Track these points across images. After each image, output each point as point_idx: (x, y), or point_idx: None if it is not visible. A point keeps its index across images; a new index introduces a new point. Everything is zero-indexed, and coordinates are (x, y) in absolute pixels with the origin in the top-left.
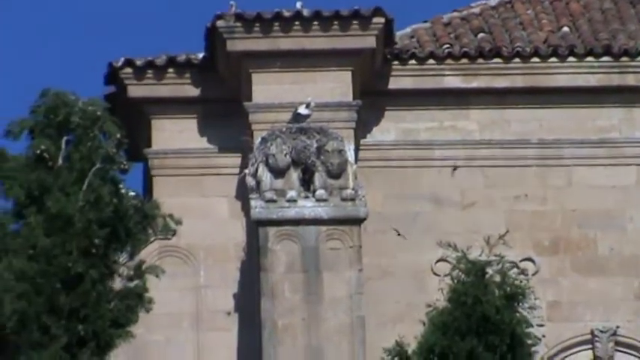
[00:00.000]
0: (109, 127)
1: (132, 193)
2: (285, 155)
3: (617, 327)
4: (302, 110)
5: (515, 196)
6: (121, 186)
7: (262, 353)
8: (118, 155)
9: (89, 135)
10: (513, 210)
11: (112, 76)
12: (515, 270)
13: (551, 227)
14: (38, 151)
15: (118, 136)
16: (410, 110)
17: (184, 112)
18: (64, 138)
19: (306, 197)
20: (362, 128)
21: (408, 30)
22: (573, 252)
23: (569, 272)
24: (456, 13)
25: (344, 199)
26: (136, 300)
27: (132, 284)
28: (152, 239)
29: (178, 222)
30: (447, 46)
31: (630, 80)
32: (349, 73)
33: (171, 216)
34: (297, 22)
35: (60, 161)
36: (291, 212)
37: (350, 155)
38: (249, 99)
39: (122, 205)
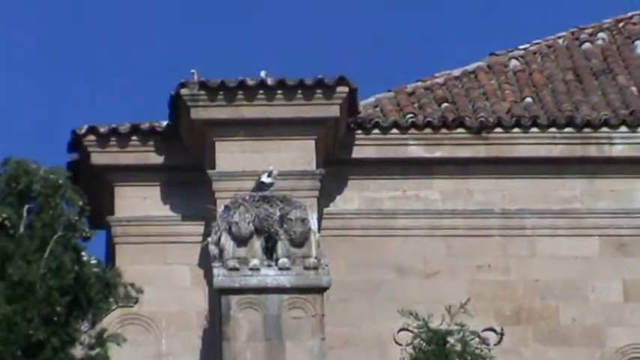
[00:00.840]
0: (71, 195)
1: (94, 261)
2: (248, 223)
3: None
4: (265, 179)
5: (478, 266)
6: (83, 253)
7: None
8: (80, 223)
9: (51, 203)
10: (476, 279)
11: (75, 143)
12: (476, 340)
13: (514, 297)
14: (0, 219)
15: (80, 203)
16: (373, 179)
17: (148, 180)
18: (26, 206)
19: (269, 266)
20: (325, 197)
21: (371, 99)
22: (535, 322)
23: (531, 342)
24: (419, 83)
25: (307, 268)
26: None
27: (93, 352)
28: (114, 307)
29: (140, 290)
30: (411, 115)
31: (593, 151)
32: (313, 141)
33: (132, 285)
34: (261, 91)
35: (21, 229)
36: (253, 281)
37: (313, 224)
38: (213, 167)
39: (84, 273)
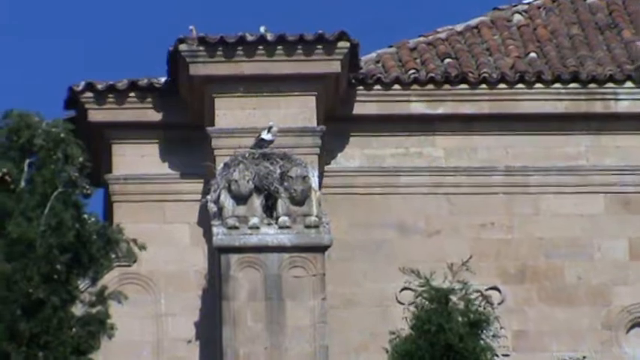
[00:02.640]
0: (73, 150)
1: (94, 219)
2: (248, 181)
3: (584, 357)
4: (265, 135)
5: (481, 224)
6: (83, 211)
7: None
8: (80, 179)
9: (52, 158)
10: (479, 238)
11: (73, 100)
12: (480, 298)
13: (518, 256)
14: (0, 174)
15: (81, 159)
16: (375, 136)
17: (146, 137)
18: (27, 160)
19: (269, 224)
20: (326, 154)
21: (373, 55)
22: (540, 281)
23: (535, 302)
24: (422, 38)
25: (308, 227)
26: (97, 326)
27: (94, 310)
28: (115, 264)
29: (142, 247)
30: (413, 71)
31: (598, 107)
32: (313, 98)
33: (135, 241)
34: (260, 47)
35: (22, 184)
36: (253, 239)
37: (314, 182)
38: (212, 124)
39: (85, 230)
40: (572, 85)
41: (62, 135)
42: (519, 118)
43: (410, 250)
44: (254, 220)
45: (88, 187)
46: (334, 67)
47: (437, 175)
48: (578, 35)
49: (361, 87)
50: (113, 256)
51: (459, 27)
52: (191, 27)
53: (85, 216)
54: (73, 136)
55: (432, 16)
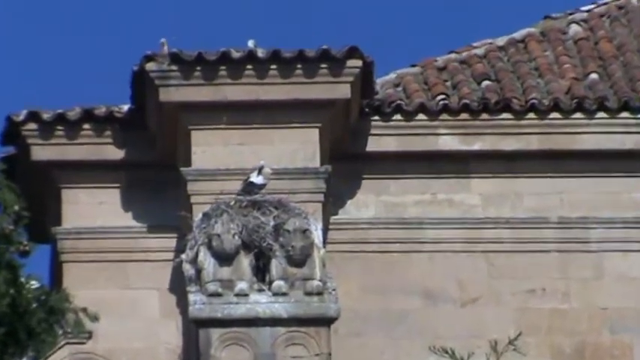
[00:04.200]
0: (6, 196)
1: (34, 283)
2: (234, 236)
3: None
4: (255, 179)
5: (529, 290)
6: (20, 274)
7: None
8: (16, 233)
9: None
10: (527, 308)
11: (11, 133)
12: None
13: (576, 330)
14: None
15: (17, 208)
16: (394, 179)
17: (104, 181)
18: None
19: (261, 290)
20: (333, 202)
21: (392, 76)
22: None
23: None
24: (453, 55)
25: (309, 293)
26: None
27: None
28: (61, 341)
29: (95, 318)
30: (442, 97)
31: None
32: (316, 131)
33: (85, 310)
34: (249, 66)
35: None
36: (240, 310)
37: (317, 236)
38: (188, 163)
39: (22, 298)
40: None
41: None
42: (577, 156)
43: (439, 324)
44: (241, 285)
45: (26, 242)
46: (343, 91)
47: (473, 228)
48: None
49: (377, 117)
50: (59, 330)
51: (501, 41)
52: (162, 40)
53: (23, 279)
54: (5, 179)
55: (466, 28)
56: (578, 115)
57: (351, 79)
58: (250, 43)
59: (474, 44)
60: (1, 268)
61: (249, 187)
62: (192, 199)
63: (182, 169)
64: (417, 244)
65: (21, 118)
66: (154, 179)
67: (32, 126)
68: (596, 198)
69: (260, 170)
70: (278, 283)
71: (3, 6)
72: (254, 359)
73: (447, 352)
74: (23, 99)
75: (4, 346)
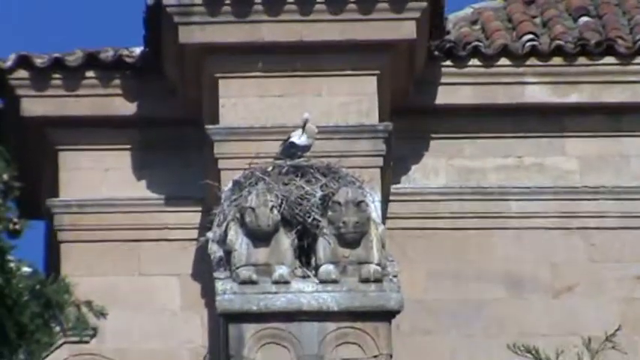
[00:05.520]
0: None
1: (26, 269)
2: (272, 210)
3: None
4: (297, 138)
5: (638, 277)
6: (9, 257)
7: None
8: (4, 209)
9: None
10: (634, 298)
11: None
12: None
13: None
14: None
15: (5, 177)
16: (470, 138)
17: (111, 141)
18: None
19: (305, 277)
20: (394, 167)
21: (467, 11)
22: None
23: None
24: None
25: (364, 281)
26: None
27: None
28: (59, 341)
29: (101, 313)
30: (530, 36)
31: None
32: (374, 79)
33: (89, 304)
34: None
35: None
36: (280, 301)
37: (375, 211)
38: (215, 120)
39: (11, 288)
40: None
41: None
42: None
43: (525, 317)
44: (281, 271)
45: (16, 220)
46: (406, 30)
47: (568, 199)
48: None
49: (449, 62)
50: (56, 327)
51: None
52: None
53: (12, 265)
54: None
55: None
56: None
57: (416, 15)
58: None
59: None
60: None
61: (290, 149)
62: (220, 164)
63: (207, 126)
64: (499, 219)
65: (9, 64)
66: (173, 139)
67: (23, 74)
68: None
69: (304, 127)
70: (326, 268)
71: None
72: None
73: (529, 352)
74: (12, 43)
75: None
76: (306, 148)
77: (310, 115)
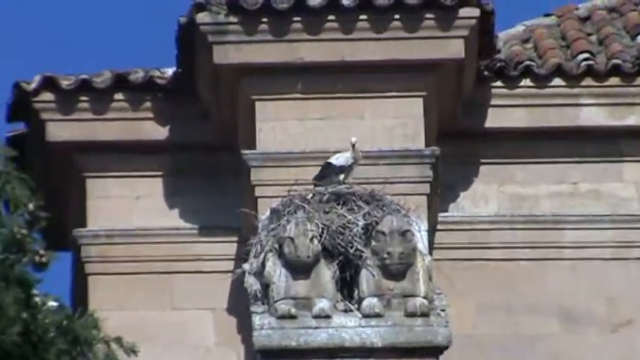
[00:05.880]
0: (17, 192)
1: (53, 304)
2: (312, 240)
3: None
4: (339, 160)
5: None
6: (35, 292)
7: None
8: (30, 239)
9: None
10: None
11: (21, 105)
12: None
13: None
14: None
15: (31, 207)
16: (522, 164)
17: (141, 167)
18: None
19: (347, 311)
20: (442, 194)
21: (519, 29)
22: None
23: None
24: (599, 1)
25: (410, 315)
26: None
27: None
28: None
29: (132, 350)
30: (586, 55)
31: None
32: (420, 101)
33: (119, 340)
34: (331, 17)
35: None
36: (321, 336)
37: (421, 240)
38: (251, 145)
39: (36, 324)
40: None
41: None
42: None
43: (581, 353)
44: (322, 305)
45: (43, 252)
46: (454, 49)
47: (625, 227)
48: None
49: (499, 82)
50: None
51: None
52: None
53: (38, 300)
54: (15, 169)
55: None
56: None
57: (464, 33)
58: None
59: None
60: (9, 285)
61: (332, 174)
62: (257, 192)
63: (244, 151)
64: (553, 249)
65: (33, 86)
66: (207, 165)
67: (48, 96)
68: None
69: (353, 150)
70: (370, 302)
71: None
72: None
73: None
74: (37, 64)
75: None
76: (342, 169)
77: (353, 139)
